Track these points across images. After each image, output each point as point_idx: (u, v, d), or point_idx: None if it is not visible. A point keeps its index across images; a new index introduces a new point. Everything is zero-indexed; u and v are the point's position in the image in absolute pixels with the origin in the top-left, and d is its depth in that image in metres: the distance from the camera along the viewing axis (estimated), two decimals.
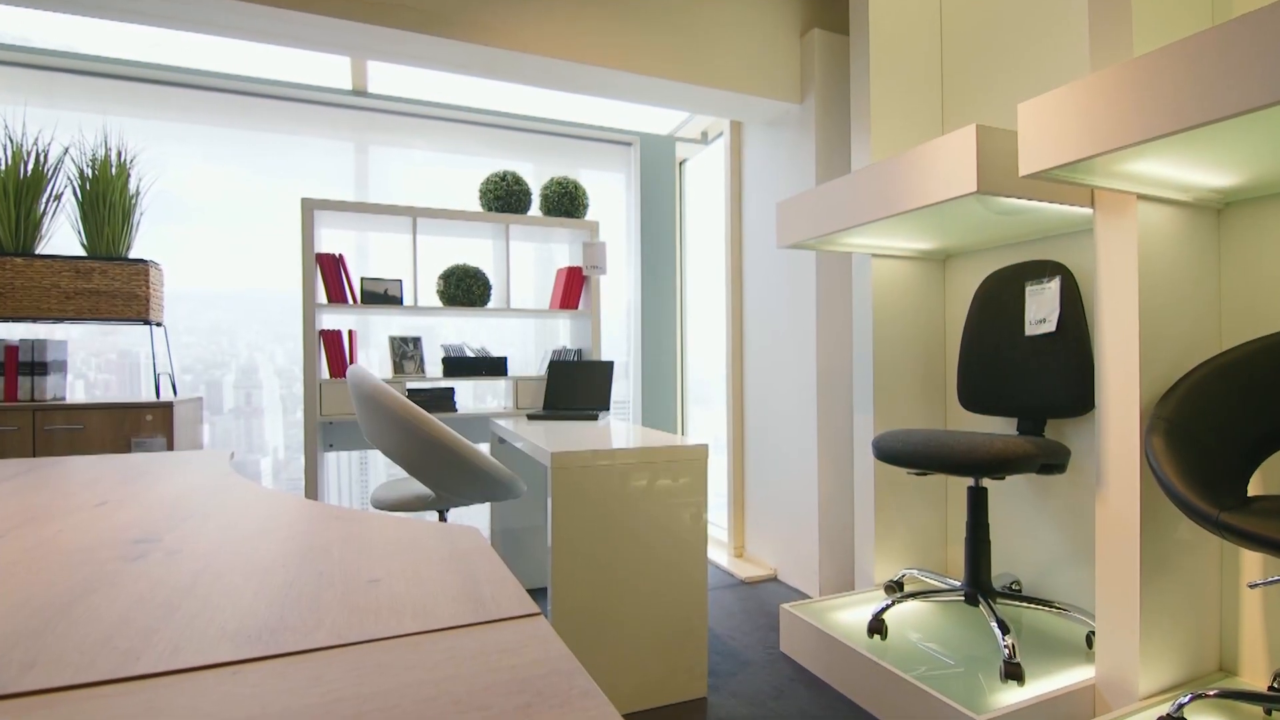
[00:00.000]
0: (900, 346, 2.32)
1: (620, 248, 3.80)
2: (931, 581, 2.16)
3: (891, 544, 2.30)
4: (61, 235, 2.48)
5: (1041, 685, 1.61)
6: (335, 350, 2.72)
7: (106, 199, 2.42)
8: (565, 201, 3.09)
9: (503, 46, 2.29)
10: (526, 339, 3.59)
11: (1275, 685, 1.48)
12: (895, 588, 2.22)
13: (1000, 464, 1.65)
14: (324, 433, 2.77)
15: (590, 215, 3.24)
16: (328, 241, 2.92)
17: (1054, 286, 1.86)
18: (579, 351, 3.14)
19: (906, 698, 1.63)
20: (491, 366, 2.96)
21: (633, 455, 1.83)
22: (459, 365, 2.90)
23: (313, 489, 2.61)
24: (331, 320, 2.89)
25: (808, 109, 2.76)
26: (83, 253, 2.42)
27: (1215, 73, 1.08)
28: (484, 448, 2.92)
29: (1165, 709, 1.45)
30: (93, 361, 2.82)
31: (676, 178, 3.87)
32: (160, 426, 2.32)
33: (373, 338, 3.22)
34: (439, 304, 2.92)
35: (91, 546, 0.68)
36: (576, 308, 3.11)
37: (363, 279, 2.78)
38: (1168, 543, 1.52)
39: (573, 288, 3.10)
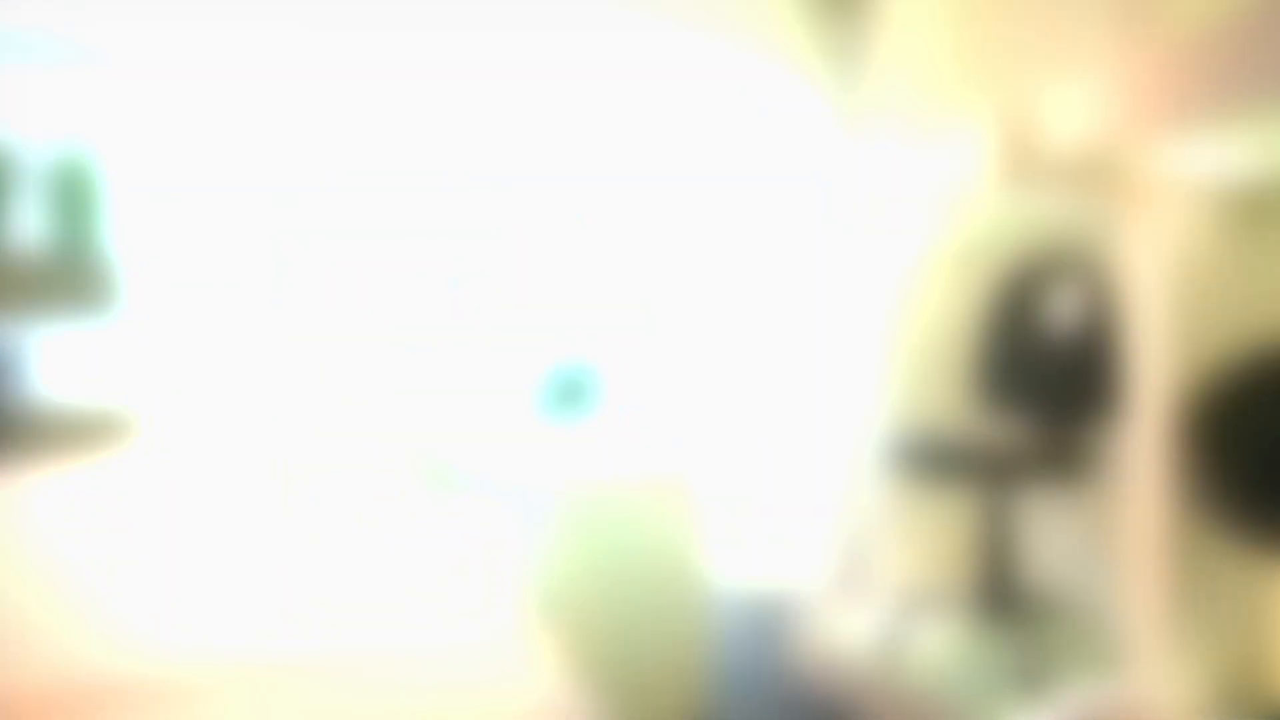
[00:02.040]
0: (916, 344, 2.24)
1: None
2: (949, 595, 2.08)
3: (906, 556, 2.21)
4: None
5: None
6: None
7: None
8: None
9: None
10: None
11: None
12: (910, 602, 2.13)
13: (1022, 470, 1.58)
14: None
15: None
16: None
17: (1080, 281, 1.79)
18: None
19: None
20: None
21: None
22: None
23: None
24: None
25: None
26: None
27: None
28: None
29: None
30: None
31: None
32: None
33: None
34: None
35: None
36: None
37: None
38: (1201, 557, 1.45)
39: None
